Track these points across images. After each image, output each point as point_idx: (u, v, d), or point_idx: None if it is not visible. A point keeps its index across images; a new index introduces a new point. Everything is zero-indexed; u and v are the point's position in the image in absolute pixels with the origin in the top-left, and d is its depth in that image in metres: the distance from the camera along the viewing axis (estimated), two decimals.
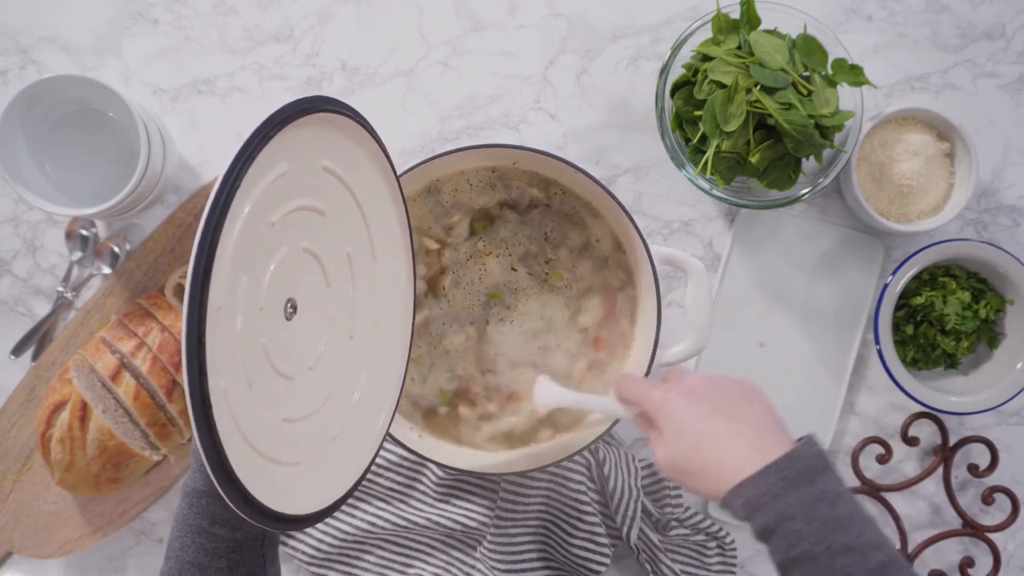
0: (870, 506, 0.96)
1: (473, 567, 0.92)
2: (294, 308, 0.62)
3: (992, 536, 0.95)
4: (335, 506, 0.66)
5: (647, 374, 0.80)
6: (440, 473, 0.92)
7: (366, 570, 0.94)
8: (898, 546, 0.96)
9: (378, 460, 0.92)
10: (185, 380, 0.52)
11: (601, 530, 0.90)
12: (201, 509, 0.65)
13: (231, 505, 0.55)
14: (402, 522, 0.92)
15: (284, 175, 0.59)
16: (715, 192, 0.88)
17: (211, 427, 0.53)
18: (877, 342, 0.90)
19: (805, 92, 0.84)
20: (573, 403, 0.80)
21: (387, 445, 0.92)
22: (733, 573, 0.94)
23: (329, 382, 0.67)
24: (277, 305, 0.61)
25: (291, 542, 0.94)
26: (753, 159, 0.84)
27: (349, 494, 0.68)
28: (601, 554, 0.90)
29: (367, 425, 0.72)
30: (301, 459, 0.64)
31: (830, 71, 0.86)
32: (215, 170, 0.96)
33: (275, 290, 0.60)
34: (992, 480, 0.96)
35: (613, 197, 0.79)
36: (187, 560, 0.66)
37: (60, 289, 0.95)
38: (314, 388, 0.66)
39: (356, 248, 0.69)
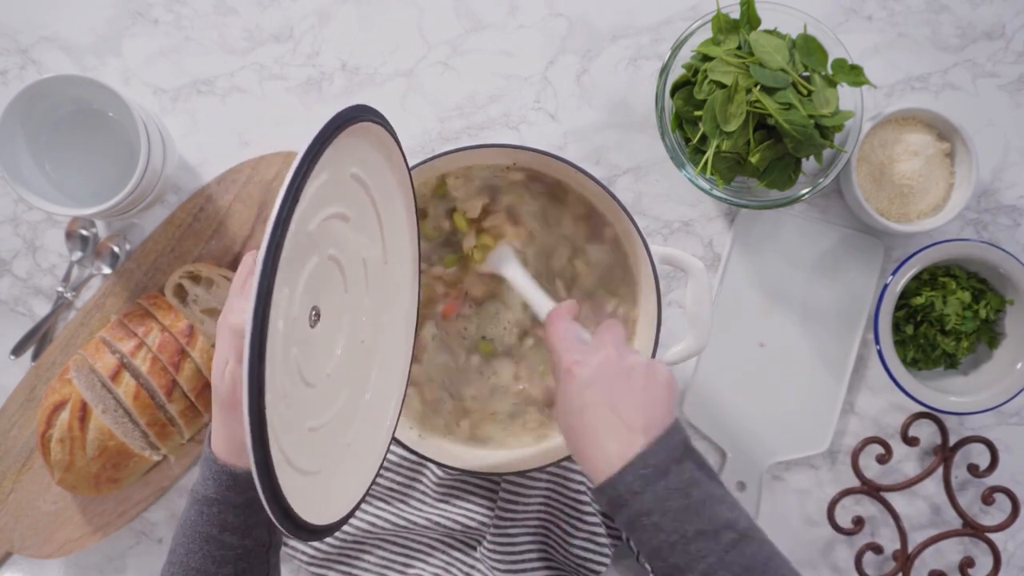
0: (869, 505, 0.96)
1: (473, 567, 0.92)
2: (317, 315, 0.63)
3: (992, 536, 0.95)
4: (353, 511, 0.67)
5: None
6: (440, 473, 0.92)
7: (366, 570, 0.94)
8: (898, 546, 0.96)
9: None
10: (245, 404, 0.52)
11: (601, 530, 0.90)
12: (212, 517, 0.65)
13: (277, 523, 0.55)
14: (402, 522, 0.92)
15: (324, 184, 0.60)
16: (715, 192, 0.88)
17: (265, 446, 0.53)
18: (877, 342, 0.90)
19: (805, 92, 0.84)
20: (520, 285, 0.80)
21: None
22: None
23: (344, 387, 0.68)
24: (304, 314, 0.62)
25: (291, 543, 0.94)
26: (753, 159, 0.84)
27: (364, 498, 0.69)
28: (601, 554, 0.90)
29: (376, 428, 0.73)
30: (322, 467, 0.64)
31: (830, 71, 0.86)
32: (215, 170, 0.96)
33: (305, 299, 0.61)
34: (992, 480, 0.96)
35: (613, 197, 0.79)
36: (192, 567, 0.66)
37: (60, 289, 0.95)
38: (331, 394, 0.66)
39: (371, 253, 0.70)
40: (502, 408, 0.86)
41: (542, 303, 0.78)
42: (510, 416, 0.86)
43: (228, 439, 0.66)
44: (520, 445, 0.86)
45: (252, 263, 0.68)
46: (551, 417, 0.86)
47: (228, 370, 0.65)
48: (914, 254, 0.90)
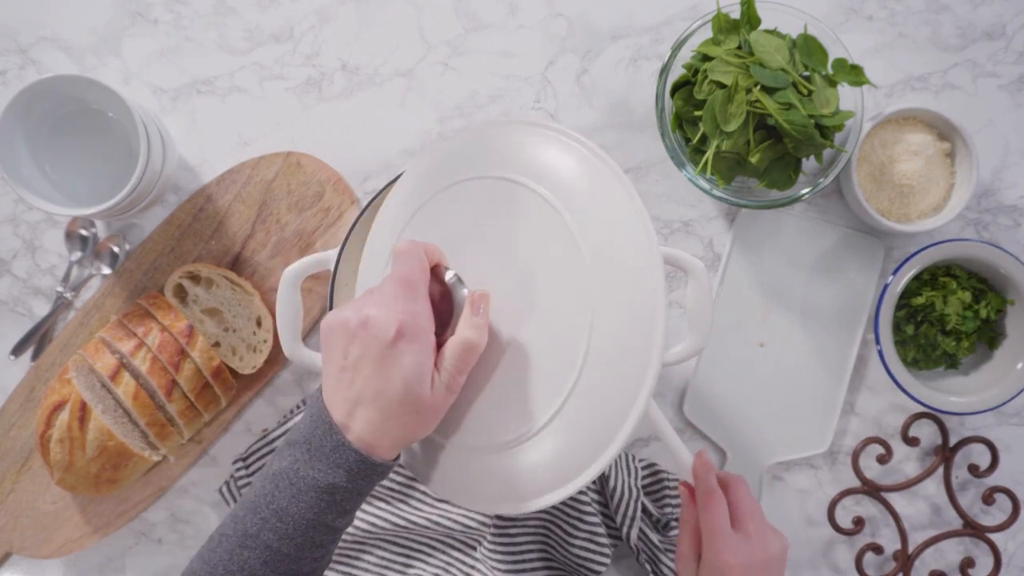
0: (870, 506, 0.96)
1: (473, 567, 0.92)
2: None
3: (992, 536, 0.95)
4: None
5: None
6: None
7: (366, 570, 0.94)
8: (898, 546, 0.95)
9: None
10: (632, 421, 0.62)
11: (601, 530, 0.90)
12: (334, 505, 0.63)
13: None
14: (402, 522, 0.92)
15: None
16: (715, 192, 0.88)
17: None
18: (877, 342, 0.90)
19: (805, 92, 0.84)
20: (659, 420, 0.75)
21: None
22: None
23: None
24: None
25: None
26: (753, 159, 0.84)
27: None
28: (601, 554, 0.90)
29: None
30: None
31: (830, 71, 0.86)
32: (215, 170, 0.96)
33: None
34: (992, 480, 0.96)
35: None
36: (285, 552, 0.63)
37: (60, 289, 0.95)
38: None
39: None
40: None
41: (678, 444, 0.77)
42: None
43: (397, 436, 0.64)
44: None
45: (420, 257, 0.66)
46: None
47: (443, 382, 0.64)
48: (914, 254, 0.90)
